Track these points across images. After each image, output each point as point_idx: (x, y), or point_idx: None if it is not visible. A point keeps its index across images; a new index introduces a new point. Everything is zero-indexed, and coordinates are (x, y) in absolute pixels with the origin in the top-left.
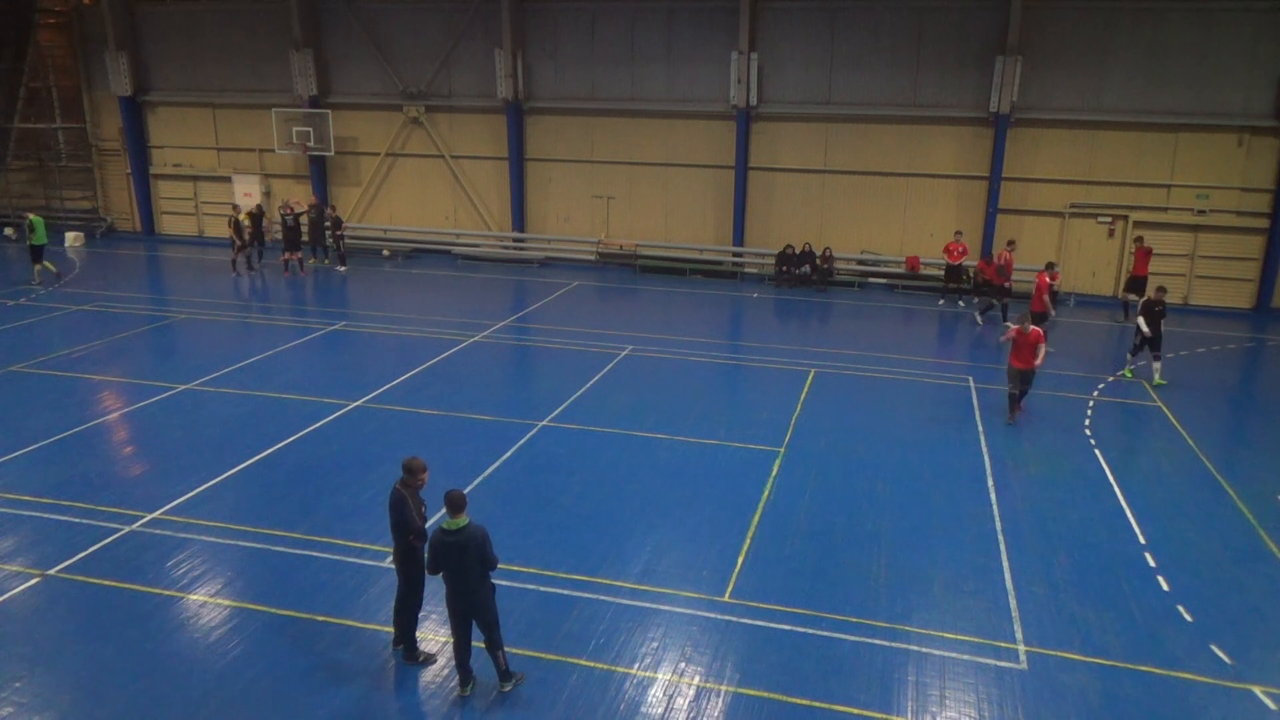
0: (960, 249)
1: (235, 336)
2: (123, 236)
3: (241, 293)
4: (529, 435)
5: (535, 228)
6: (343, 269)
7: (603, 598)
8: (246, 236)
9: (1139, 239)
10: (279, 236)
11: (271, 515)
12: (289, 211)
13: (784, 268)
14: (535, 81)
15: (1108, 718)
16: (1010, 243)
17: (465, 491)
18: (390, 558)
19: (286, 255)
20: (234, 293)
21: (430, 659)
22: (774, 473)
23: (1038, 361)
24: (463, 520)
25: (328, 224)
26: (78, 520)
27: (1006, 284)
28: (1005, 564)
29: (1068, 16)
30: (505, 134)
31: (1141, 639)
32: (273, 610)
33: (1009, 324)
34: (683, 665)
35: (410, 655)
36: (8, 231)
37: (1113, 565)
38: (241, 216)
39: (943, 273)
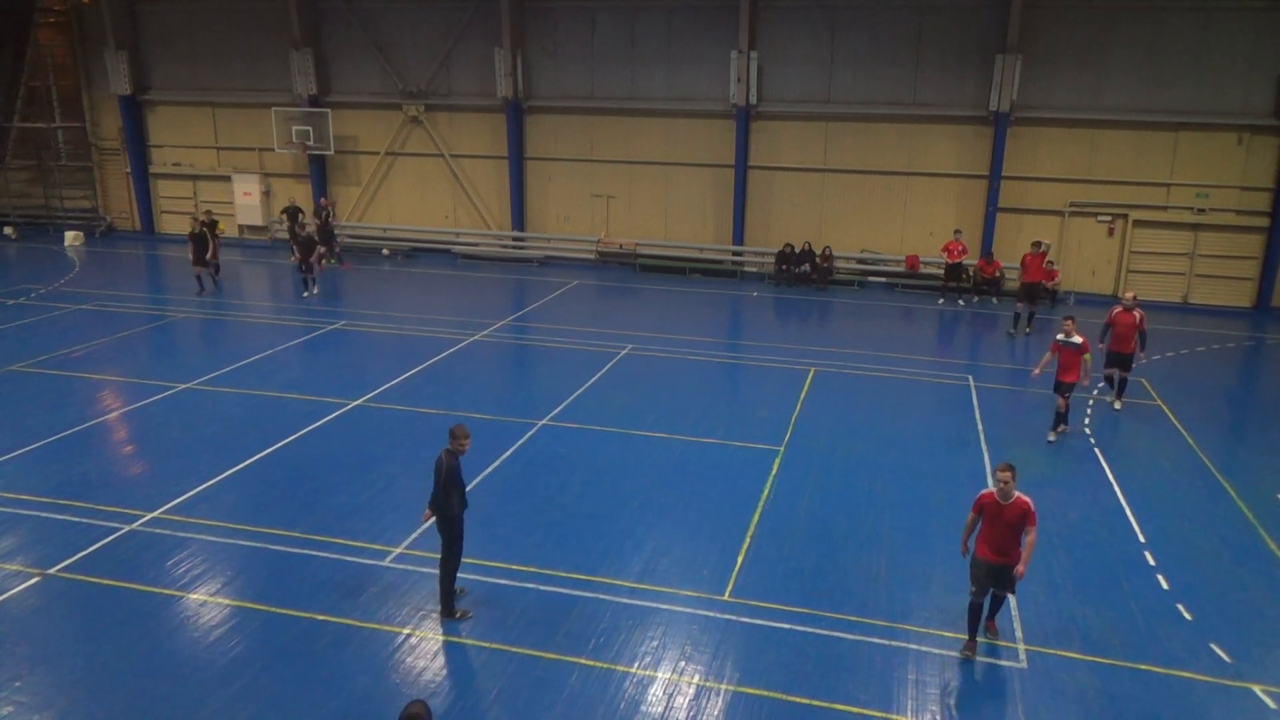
0: (959, 248)
1: (235, 335)
2: (122, 236)
3: (241, 292)
4: (529, 434)
5: (535, 227)
6: (328, 264)
7: (602, 597)
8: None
9: (1036, 243)
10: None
11: (271, 514)
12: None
13: (784, 266)
14: (535, 80)
15: (1107, 716)
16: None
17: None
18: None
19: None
20: (233, 292)
21: (466, 615)
22: (774, 472)
23: (1020, 565)
24: None
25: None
26: (77, 519)
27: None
28: None
29: (1068, 15)
30: (505, 133)
31: (1141, 637)
32: (272, 610)
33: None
34: (683, 664)
35: (448, 611)
36: (7, 231)
37: (1112, 564)
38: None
39: (942, 272)
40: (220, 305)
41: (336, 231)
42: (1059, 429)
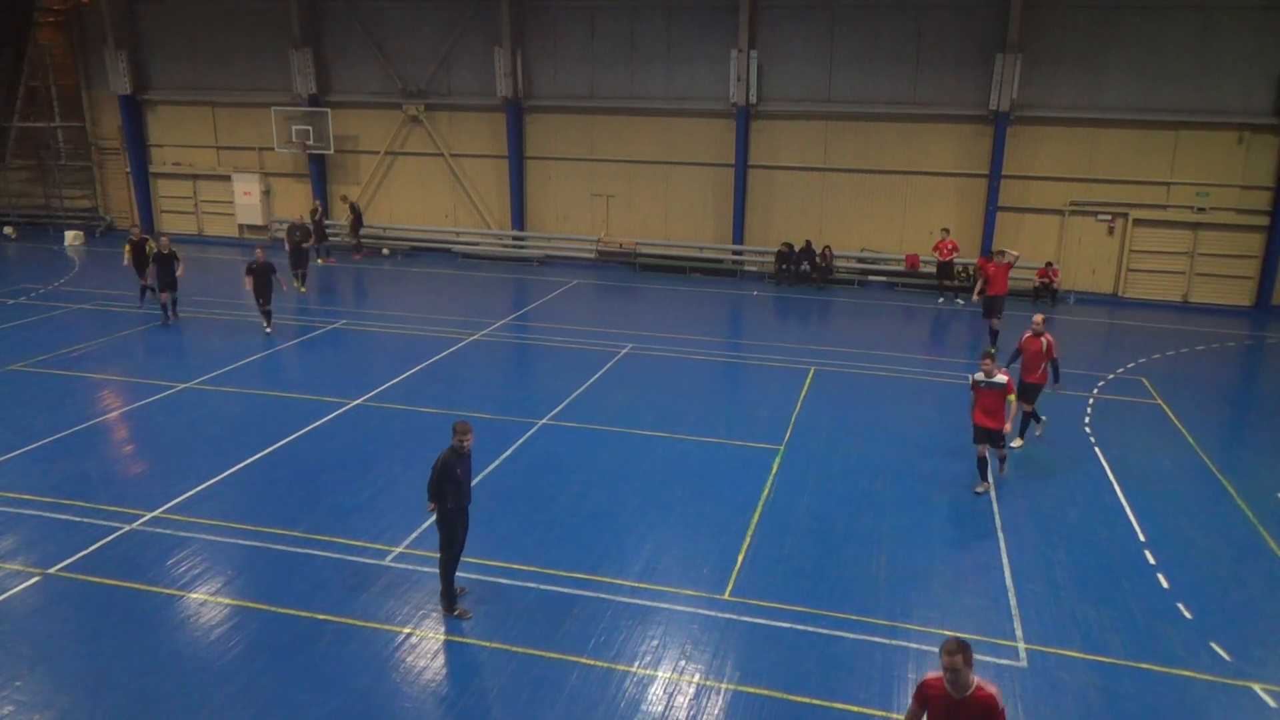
0: (949, 246)
1: (235, 335)
2: (122, 235)
3: (241, 292)
4: (529, 434)
5: (535, 226)
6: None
7: (603, 596)
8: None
9: (1001, 252)
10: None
11: (272, 514)
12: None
13: (784, 265)
14: (535, 80)
15: (1107, 715)
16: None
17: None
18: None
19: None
20: (233, 291)
21: (466, 614)
22: (774, 471)
23: None
24: None
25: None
26: (78, 519)
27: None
28: (1005, 562)
29: (1068, 14)
30: (505, 132)
31: (1141, 636)
32: (273, 609)
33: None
34: (683, 663)
35: (448, 607)
36: (7, 231)
37: (1112, 563)
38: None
39: (935, 270)
40: (220, 305)
41: (363, 230)
42: (986, 482)
